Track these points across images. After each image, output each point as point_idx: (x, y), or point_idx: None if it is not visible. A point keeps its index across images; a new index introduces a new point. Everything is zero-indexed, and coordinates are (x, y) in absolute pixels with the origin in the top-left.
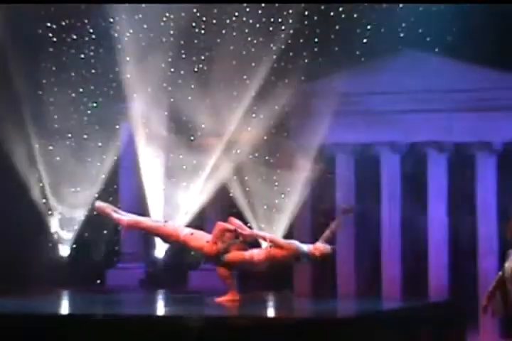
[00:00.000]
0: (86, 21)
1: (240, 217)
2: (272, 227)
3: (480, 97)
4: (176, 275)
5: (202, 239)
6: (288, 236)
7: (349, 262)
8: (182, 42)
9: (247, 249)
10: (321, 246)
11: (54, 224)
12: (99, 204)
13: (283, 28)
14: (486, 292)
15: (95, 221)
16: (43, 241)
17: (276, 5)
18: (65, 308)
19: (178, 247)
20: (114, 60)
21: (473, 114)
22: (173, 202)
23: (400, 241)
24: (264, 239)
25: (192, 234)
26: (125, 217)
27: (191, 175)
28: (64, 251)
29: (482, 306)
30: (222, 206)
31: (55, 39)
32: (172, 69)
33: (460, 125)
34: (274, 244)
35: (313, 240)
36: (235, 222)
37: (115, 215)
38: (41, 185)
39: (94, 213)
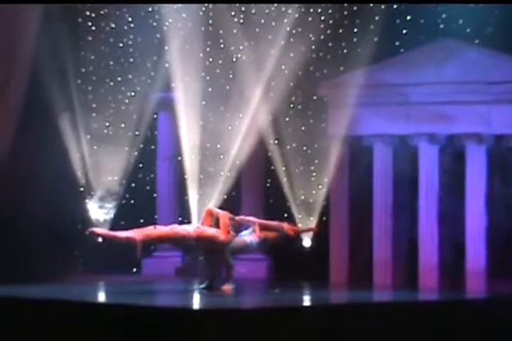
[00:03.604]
0: (125, 10)
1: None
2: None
3: None
4: None
5: (210, 228)
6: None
7: (386, 253)
8: (221, 31)
9: (235, 235)
10: (292, 227)
11: (92, 211)
12: (96, 230)
13: (322, 18)
14: None
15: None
16: (81, 228)
17: None
18: (102, 297)
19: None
20: (153, 49)
21: None
22: (207, 191)
23: (438, 232)
24: (254, 223)
25: (198, 227)
26: (132, 233)
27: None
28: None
29: None
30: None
31: (94, 28)
32: (210, 59)
33: (499, 117)
34: (268, 228)
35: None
36: (219, 210)
37: (121, 235)
38: (79, 173)
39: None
